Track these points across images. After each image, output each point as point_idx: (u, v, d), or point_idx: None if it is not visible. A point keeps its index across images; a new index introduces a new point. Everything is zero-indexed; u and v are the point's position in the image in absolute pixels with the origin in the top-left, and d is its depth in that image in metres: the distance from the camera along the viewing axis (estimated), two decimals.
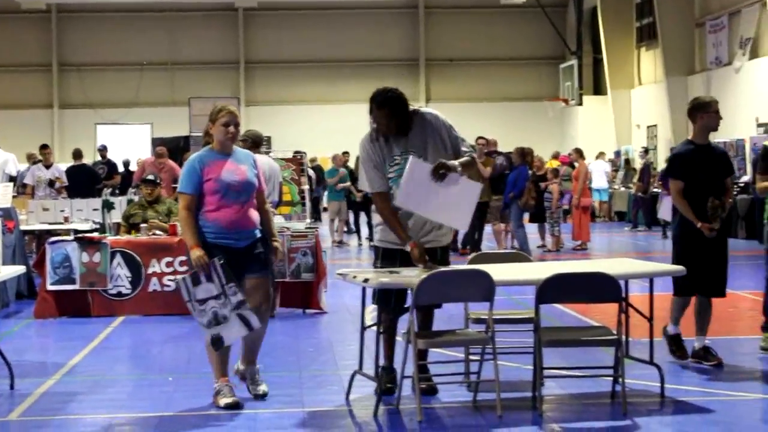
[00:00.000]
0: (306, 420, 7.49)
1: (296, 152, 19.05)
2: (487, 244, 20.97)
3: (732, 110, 25.75)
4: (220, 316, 7.77)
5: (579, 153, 24.80)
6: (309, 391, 8.17)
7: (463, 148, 8.12)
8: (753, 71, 28.07)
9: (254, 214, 8.08)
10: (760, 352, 9.68)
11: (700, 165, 9.30)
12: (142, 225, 13.32)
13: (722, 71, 29.99)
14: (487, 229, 20.94)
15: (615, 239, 26.06)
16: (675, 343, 9.49)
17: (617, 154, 34.33)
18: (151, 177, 14.21)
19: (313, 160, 28.24)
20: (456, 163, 7.86)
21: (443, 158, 7.89)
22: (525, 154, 20.03)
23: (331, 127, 36.50)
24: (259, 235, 8.10)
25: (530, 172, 20.41)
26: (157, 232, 13.23)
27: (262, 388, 8.15)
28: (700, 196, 9.21)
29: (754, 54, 28.33)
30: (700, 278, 9.23)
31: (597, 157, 32.26)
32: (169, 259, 12.83)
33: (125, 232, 13.54)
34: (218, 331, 7.80)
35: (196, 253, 7.76)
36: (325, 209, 26.67)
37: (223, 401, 7.85)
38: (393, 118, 7.96)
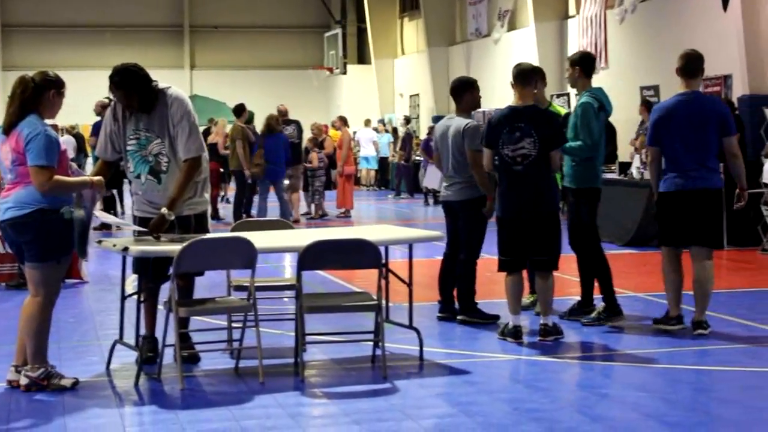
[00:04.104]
0: (66, 391, 7.33)
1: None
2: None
3: (490, 81, 26.45)
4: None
5: (343, 121, 25.02)
6: (68, 363, 8.00)
7: (186, 151, 7.88)
8: (510, 42, 28.86)
9: None
10: None
11: None
12: None
13: (481, 42, 30.74)
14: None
15: (378, 207, 26.43)
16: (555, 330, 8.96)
17: (381, 122, 34.82)
18: None
19: (73, 128, 27.55)
20: (165, 212, 7.78)
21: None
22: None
23: (92, 94, 35.55)
24: None
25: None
26: None
27: (68, 380, 7.49)
28: None
29: (511, 26, 29.13)
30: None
31: (365, 125, 32.54)
32: None
33: None
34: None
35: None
36: None
37: (67, 381, 7.39)
38: (131, 98, 7.87)
